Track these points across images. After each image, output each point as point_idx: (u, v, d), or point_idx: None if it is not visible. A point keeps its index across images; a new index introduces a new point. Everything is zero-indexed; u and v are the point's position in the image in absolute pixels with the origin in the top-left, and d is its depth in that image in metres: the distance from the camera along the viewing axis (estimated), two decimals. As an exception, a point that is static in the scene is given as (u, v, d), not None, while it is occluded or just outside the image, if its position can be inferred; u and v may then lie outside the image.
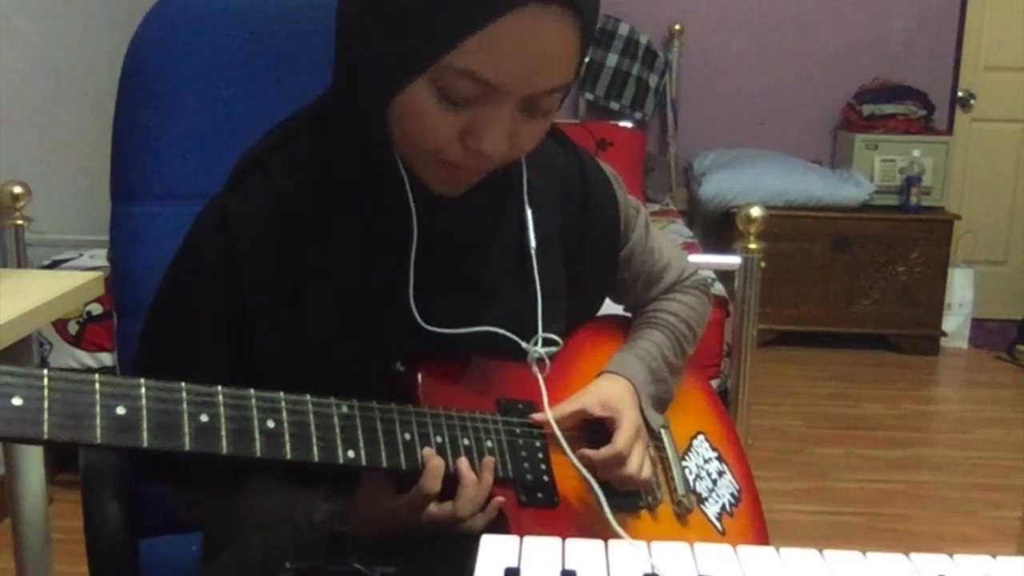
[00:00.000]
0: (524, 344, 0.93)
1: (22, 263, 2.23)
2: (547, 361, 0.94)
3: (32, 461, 1.54)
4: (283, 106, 0.97)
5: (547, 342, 0.94)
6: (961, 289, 4.41)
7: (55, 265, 2.74)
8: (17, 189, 2.20)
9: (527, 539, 0.73)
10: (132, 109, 1.19)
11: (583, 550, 0.73)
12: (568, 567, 0.70)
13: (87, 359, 2.71)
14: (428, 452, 0.84)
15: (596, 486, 0.90)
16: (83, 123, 3.06)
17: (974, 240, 4.61)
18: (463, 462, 0.86)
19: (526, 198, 0.96)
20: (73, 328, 2.69)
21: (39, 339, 2.59)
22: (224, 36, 1.21)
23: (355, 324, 0.90)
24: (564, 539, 0.74)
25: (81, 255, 2.82)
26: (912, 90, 4.45)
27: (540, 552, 0.72)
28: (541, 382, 0.93)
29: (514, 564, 0.70)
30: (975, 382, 4.10)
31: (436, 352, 0.91)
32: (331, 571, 0.72)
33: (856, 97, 4.51)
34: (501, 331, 0.92)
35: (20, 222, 2.21)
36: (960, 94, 4.65)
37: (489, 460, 0.87)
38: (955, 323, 4.41)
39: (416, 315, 0.88)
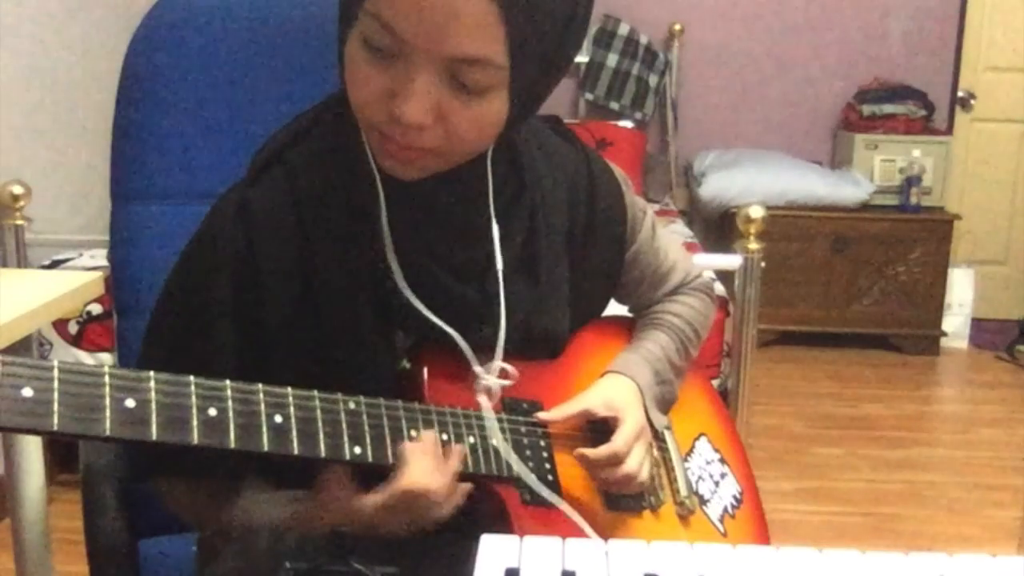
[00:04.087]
0: (477, 368, 0.90)
1: (22, 263, 2.23)
2: (497, 391, 0.91)
3: (32, 461, 1.54)
4: (284, 106, 0.97)
5: (504, 373, 0.92)
6: (961, 289, 4.41)
7: (55, 265, 2.74)
8: (17, 189, 2.20)
9: (527, 539, 0.73)
10: (132, 109, 1.19)
11: (583, 550, 0.73)
12: (568, 567, 0.70)
13: (87, 359, 2.71)
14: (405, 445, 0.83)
15: (563, 504, 0.90)
16: (83, 123, 3.06)
17: (974, 240, 4.62)
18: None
19: (492, 212, 0.92)
20: (73, 328, 2.69)
21: (39, 339, 2.59)
22: (224, 36, 1.21)
23: (358, 299, 0.89)
24: (564, 539, 0.74)
25: (81, 255, 2.83)
26: (912, 90, 4.45)
27: (540, 552, 0.72)
28: (488, 409, 0.91)
29: (514, 564, 0.70)
30: (975, 382, 4.10)
31: (420, 329, 0.90)
32: (331, 571, 0.72)
33: (856, 97, 4.51)
34: (461, 342, 0.89)
35: (20, 222, 2.20)
36: (960, 94, 4.65)
37: (458, 448, 0.86)
38: (955, 323, 4.40)
39: (409, 296, 0.87)
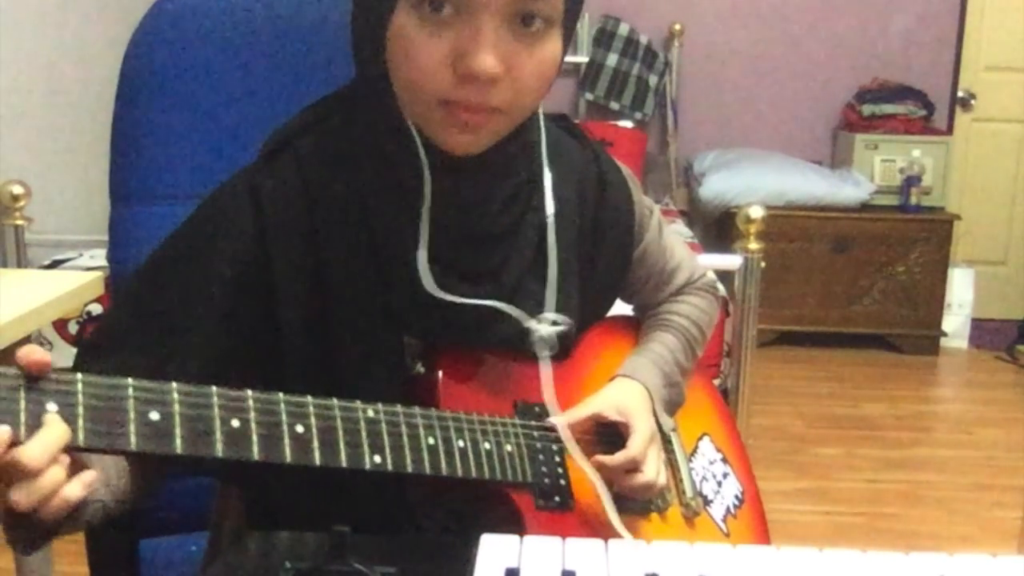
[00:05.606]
0: (530, 322, 0.92)
1: (22, 263, 2.23)
2: (553, 341, 0.93)
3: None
4: (283, 106, 0.97)
5: (556, 324, 0.93)
6: (961, 289, 4.41)
7: (55, 265, 2.74)
8: (17, 189, 2.20)
9: (527, 539, 0.73)
10: (131, 109, 1.19)
11: (583, 550, 0.73)
12: (568, 567, 0.70)
13: (87, 359, 2.70)
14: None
15: (604, 489, 0.90)
16: (83, 123, 3.06)
17: (974, 240, 4.61)
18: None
19: (545, 161, 0.95)
20: (73, 328, 2.69)
21: (39, 339, 2.59)
22: (224, 36, 1.21)
23: (368, 293, 0.89)
24: (564, 539, 0.74)
25: (81, 255, 2.83)
26: (912, 90, 4.45)
27: (540, 552, 0.72)
28: (546, 367, 0.92)
29: (514, 564, 0.70)
30: (975, 382, 4.10)
31: (443, 323, 0.90)
32: (331, 571, 0.72)
33: (856, 97, 4.51)
34: (504, 307, 0.90)
35: (20, 222, 2.20)
36: (960, 94, 4.65)
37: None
38: (955, 323, 4.40)
39: (424, 282, 0.87)
